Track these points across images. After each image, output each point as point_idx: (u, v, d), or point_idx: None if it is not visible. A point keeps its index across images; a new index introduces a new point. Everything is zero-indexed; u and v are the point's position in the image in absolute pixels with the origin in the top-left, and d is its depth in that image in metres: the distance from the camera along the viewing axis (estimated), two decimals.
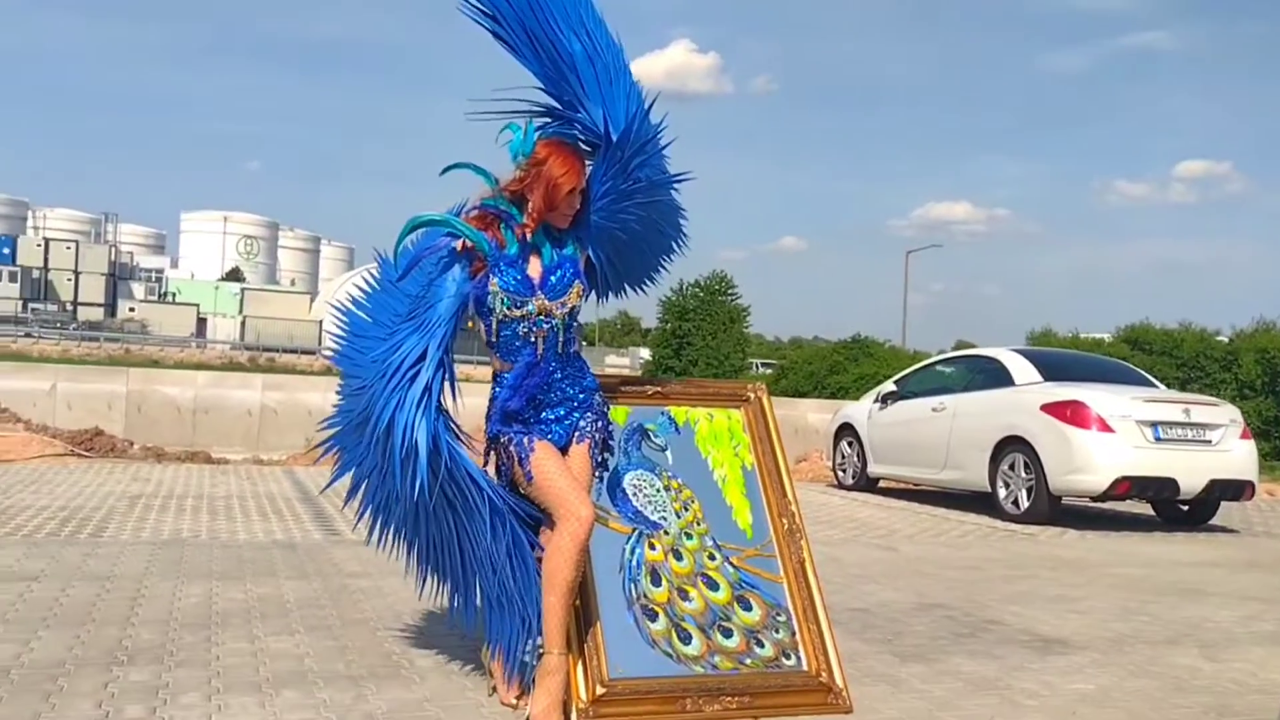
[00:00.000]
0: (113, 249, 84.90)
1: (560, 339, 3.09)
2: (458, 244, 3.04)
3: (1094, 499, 8.91)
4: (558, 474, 3.02)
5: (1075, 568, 6.52)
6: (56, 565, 4.96)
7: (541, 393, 3.09)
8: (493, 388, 3.16)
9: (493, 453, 3.15)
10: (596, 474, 3.21)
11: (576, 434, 3.14)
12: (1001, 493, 8.89)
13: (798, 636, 3.28)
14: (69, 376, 13.05)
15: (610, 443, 3.27)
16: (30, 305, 70.93)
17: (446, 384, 3.04)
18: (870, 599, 5.15)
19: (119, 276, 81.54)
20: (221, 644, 3.73)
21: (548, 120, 3.11)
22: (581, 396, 3.16)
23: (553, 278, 3.08)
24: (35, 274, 75.86)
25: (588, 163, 3.09)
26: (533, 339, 3.06)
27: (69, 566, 4.95)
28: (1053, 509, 8.59)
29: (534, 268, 3.08)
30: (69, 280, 77.25)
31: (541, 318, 3.05)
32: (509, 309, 3.03)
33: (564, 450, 3.12)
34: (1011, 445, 8.84)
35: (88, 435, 11.13)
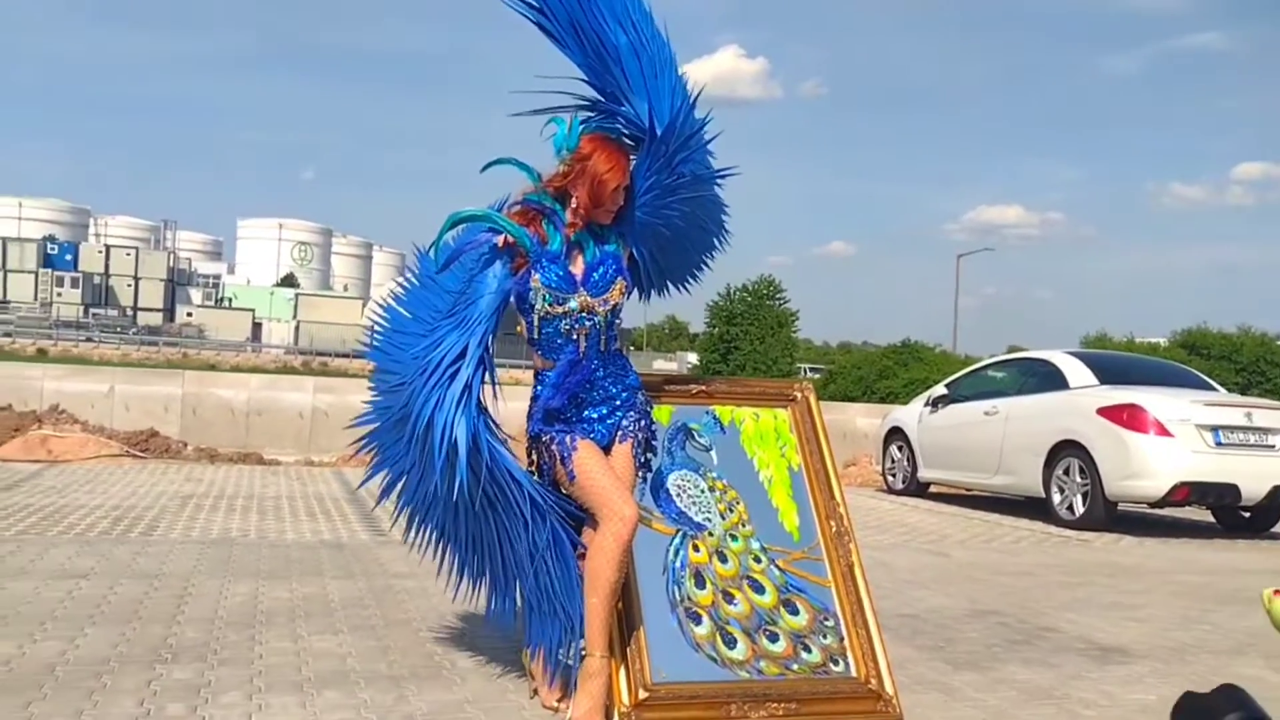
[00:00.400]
0: (171, 255, 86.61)
1: (602, 336, 3.04)
2: (499, 240, 3.00)
3: (1152, 505, 8.69)
4: (600, 473, 2.97)
5: (1133, 575, 6.36)
6: (106, 563, 5.00)
7: (584, 391, 3.05)
8: (534, 386, 3.12)
9: (534, 452, 3.11)
10: (640, 474, 3.16)
11: (619, 433, 3.09)
12: (1056, 498, 8.70)
13: (846, 642, 3.19)
14: (126, 379, 13.25)
15: (654, 443, 3.21)
16: (92, 310, 72.54)
17: (487, 382, 3.00)
18: (921, 605, 5.05)
19: (177, 282, 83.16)
20: (265, 643, 3.72)
21: (591, 114, 3.06)
22: (624, 395, 3.11)
23: (595, 274, 3.03)
24: (97, 280, 77.59)
25: (631, 157, 3.04)
26: (575, 336, 3.01)
27: (118, 565, 4.99)
28: (1109, 515, 8.38)
29: (576, 264, 3.04)
30: (129, 286, 78.92)
31: (584, 315, 3.00)
32: (551, 305, 2.98)
33: (606, 450, 3.07)
34: (1066, 450, 8.65)
35: (143, 436, 11.28)
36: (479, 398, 2.93)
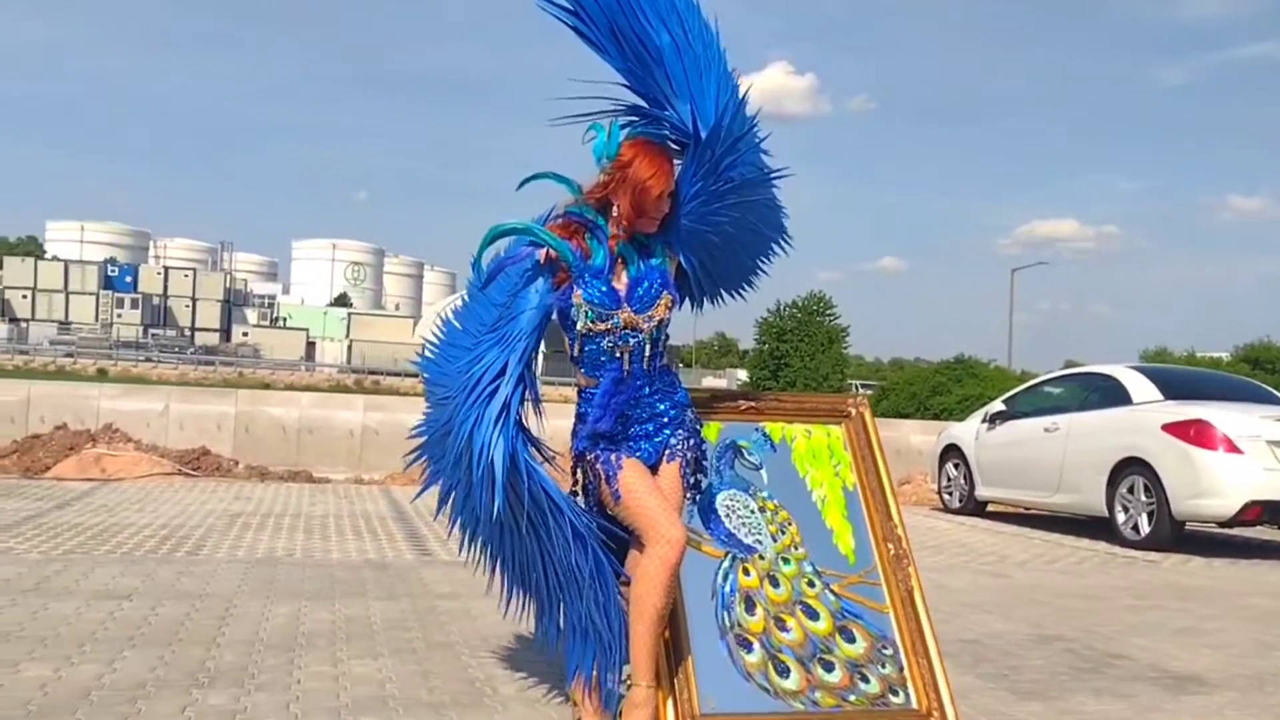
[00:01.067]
0: (228, 276, 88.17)
1: (647, 353, 2.91)
2: (540, 254, 2.89)
3: (1221, 524, 8.37)
4: (647, 493, 2.84)
5: (1204, 598, 6.09)
6: (150, 584, 4.96)
7: (630, 409, 2.92)
8: (578, 404, 3.00)
9: (579, 470, 2.99)
10: (689, 495, 3.02)
11: (667, 452, 2.95)
12: (1120, 517, 8.42)
13: (906, 671, 3.03)
14: (181, 398, 13.37)
15: (704, 463, 3.07)
16: (151, 331, 74.04)
17: (529, 401, 2.90)
18: (982, 629, 4.85)
19: (234, 303, 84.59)
20: (304, 667, 3.63)
21: (634, 119, 2.94)
22: (673, 412, 2.97)
23: (639, 289, 2.90)
24: (155, 301, 79.21)
25: (677, 162, 2.92)
26: (618, 354, 2.88)
27: (162, 585, 4.94)
28: (1176, 535, 8.10)
29: (620, 279, 2.91)
30: (187, 307, 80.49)
31: (628, 331, 2.87)
32: (593, 322, 2.86)
33: (654, 469, 2.94)
34: (1130, 467, 8.37)
35: (195, 455, 11.35)
36: (519, 416, 2.82)
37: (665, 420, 2.95)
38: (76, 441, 10.96)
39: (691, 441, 2.99)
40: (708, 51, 2.80)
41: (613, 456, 2.88)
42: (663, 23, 2.75)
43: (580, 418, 2.96)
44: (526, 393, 2.87)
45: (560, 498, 2.83)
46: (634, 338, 2.88)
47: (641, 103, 2.89)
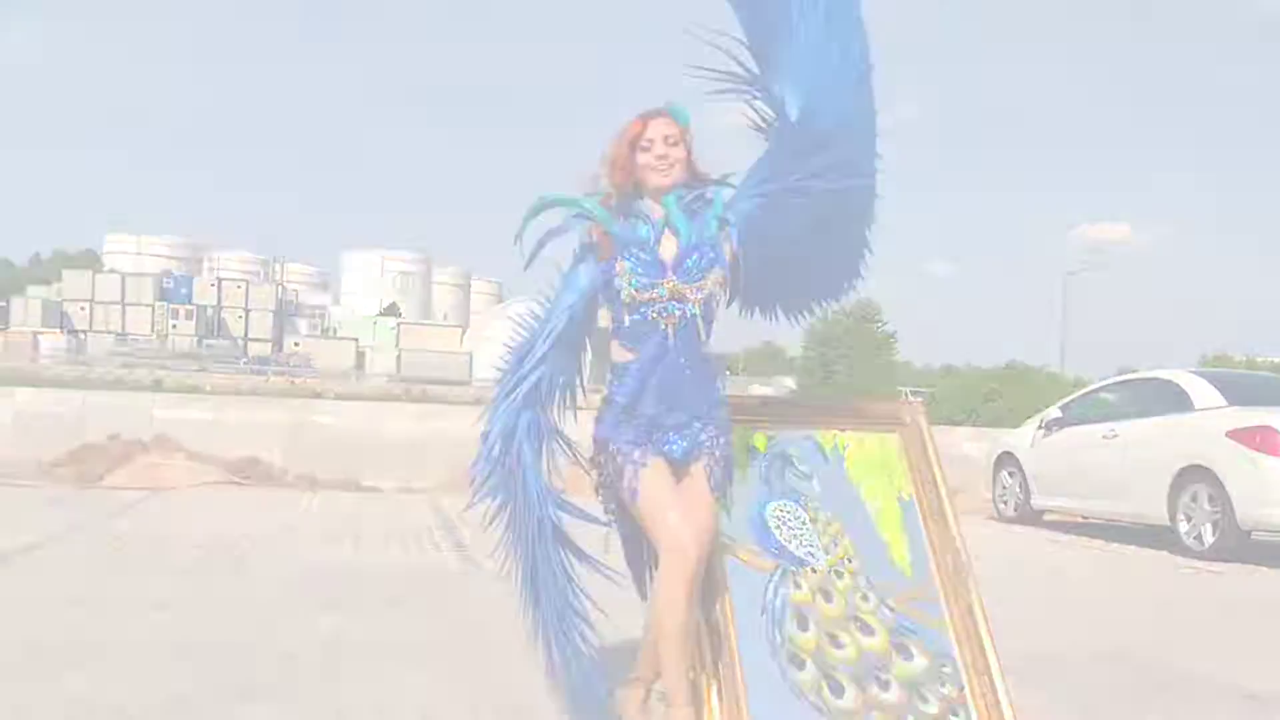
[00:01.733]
0: (280, 287, 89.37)
1: (693, 330, 2.78)
2: (588, 229, 2.82)
3: None
4: (665, 496, 2.71)
5: (1275, 611, 5.87)
6: (195, 594, 4.94)
7: (666, 394, 2.78)
8: (610, 383, 2.85)
9: (601, 459, 2.84)
10: (716, 496, 2.86)
11: (696, 449, 2.81)
12: (1183, 526, 8.17)
13: (966, 690, 2.89)
14: (233, 407, 13.47)
15: (730, 466, 2.92)
16: (205, 342, 75.26)
17: (558, 389, 2.86)
18: (1044, 645, 4.66)
19: (285, 313, 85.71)
20: (344, 681, 3.57)
21: (746, 90, 2.83)
22: (706, 407, 2.82)
23: (689, 260, 2.79)
24: (210, 312, 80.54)
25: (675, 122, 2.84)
26: (664, 324, 2.77)
27: (207, 596, 4.92)
28: (1242, 544, 7.84)
29: (667, 249, 2.81)
30: (240, 318, 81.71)
31: (674, 302, 2.77)
32: (637, 290, 2.76)
33: (684, 465, 2.79)
34: (1193, 475, 8.13)
35: (245, 464, 11.42)
36: (538, 398, 2.81)
37: (698, 413, 2.81)
38: (130, 451, 11.06)
39: (721, 440, 2.84)
40: (844, 59, 2.75)
41: (636, 452, 2.75)
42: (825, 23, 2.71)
43: (608, 400, 2.83)
44: (549, 374, 2.82)
45: (538, 489, 2.80)
46: (679, 308, 2.77)
47: (754, 66, 2.79)
